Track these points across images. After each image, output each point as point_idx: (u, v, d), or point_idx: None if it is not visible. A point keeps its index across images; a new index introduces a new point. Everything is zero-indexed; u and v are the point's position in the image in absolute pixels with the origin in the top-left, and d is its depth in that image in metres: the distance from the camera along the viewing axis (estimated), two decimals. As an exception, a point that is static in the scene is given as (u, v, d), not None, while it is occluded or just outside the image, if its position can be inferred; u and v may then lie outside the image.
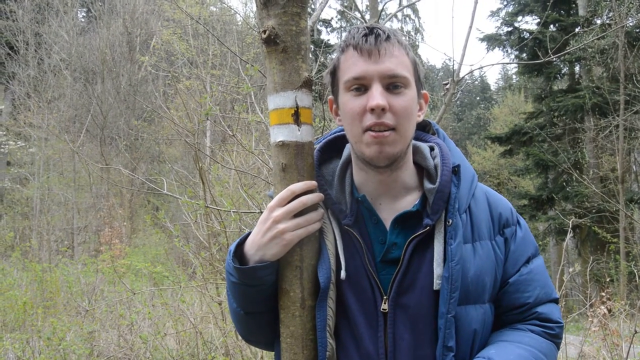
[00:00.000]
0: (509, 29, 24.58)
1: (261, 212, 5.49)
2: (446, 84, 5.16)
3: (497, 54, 25.75)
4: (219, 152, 10.84)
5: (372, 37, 1.41)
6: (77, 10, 29.45)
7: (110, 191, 20.36)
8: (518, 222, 1.58)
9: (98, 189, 20.72)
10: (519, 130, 22.99)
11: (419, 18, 41.59)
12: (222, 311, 5.96)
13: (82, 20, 31.68)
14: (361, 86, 1.41)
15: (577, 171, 17.93)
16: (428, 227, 1.42)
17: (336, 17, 32.14)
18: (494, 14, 25.37)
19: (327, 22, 31.96)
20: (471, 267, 1.43)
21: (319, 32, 30.56)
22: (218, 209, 5.40)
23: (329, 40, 28.41)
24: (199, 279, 6.53)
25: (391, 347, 1.41)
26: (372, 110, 1.37)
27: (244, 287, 1.45)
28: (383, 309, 1.42)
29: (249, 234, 1.48)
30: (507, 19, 24.51)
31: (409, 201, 1.49)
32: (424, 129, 1.64)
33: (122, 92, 23.26)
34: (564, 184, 20.52)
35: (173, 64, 20.55)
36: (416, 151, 1.54)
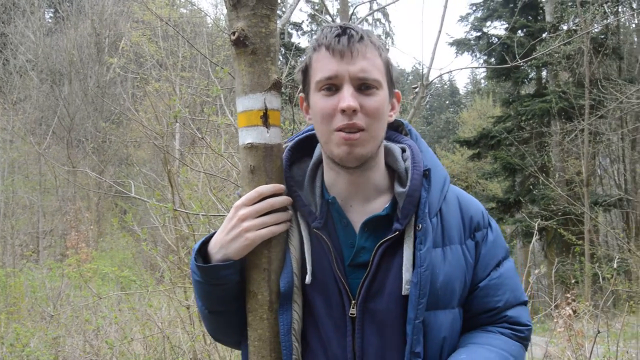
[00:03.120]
0: (478, 33, 24.93)
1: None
2: (415, 88, 5.19)
3: (466, 58, 25.98)
4: (188, 154, 10.75)
5: (345, 38, 1.39)
6: (44, 10, 28.99)
7: (77, 194, 20.06)
8: (489, 225, 1.57)
9: (64, 192, 20.39)
10: (487, 134, 23.27)
11: (389, 22, 41.81)
12: (190, 315, 5.91)
13: (49, 20, 31.17)
14: (332, 86, 1.40)
15: (544, 174, 18.19)
16: (397, 232, 1.41)
17: (307, 20, 32.12)
18: (463, 19, 25.68)
19: (297, 25, 31.93)
20: (440, 273, 1.43)
21: (290, 35, 30.51)
22: (187, 212, 5.36)
23: (299, 43, 28.38)
24: (166, 283, 6.47)
25: (359, 352, 1.40)
26: (343, 111, 1.37)
27: (207, 286, 1.43)
28: (351, 314, 1.41)
29: (214, 233, 1.47)
30: (476, 24, 24.86)
31: (380, 204, 1.48)
32: (396, 129, 1.63)
33: (90, 94, 22.94)
34: (531, 187, 20.81)
35: (142, 66, 20.33)
36: (388, 153, 1.53)
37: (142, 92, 18.21)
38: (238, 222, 1.39)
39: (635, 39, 26.82)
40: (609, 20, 18.50)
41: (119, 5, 24.99)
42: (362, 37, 1.41)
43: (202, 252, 1.45)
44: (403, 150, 1.54)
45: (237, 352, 5.56)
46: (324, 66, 1.41)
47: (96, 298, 6.04)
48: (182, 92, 12.75)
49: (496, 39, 23.78)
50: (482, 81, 43.58)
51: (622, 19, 23.71)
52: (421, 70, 5.36)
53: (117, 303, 7.65)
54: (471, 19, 25.30)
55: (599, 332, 4.26)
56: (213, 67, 8.37)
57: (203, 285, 1.44)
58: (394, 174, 1.51)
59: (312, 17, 30.58)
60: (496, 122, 24.15)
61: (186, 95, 13.22)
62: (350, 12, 5.78)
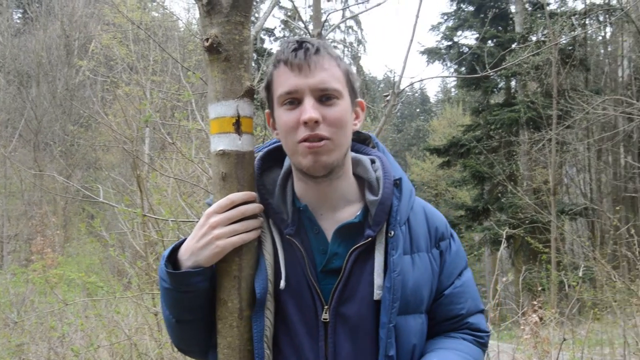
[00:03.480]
0: (449, 43, 25.20)
1: (198, 221, 5.44)
2: (387, 96, 5.23)
3: (437, 67, 26.23)
4: (158, 159, 10.66)
5: (302, 52, 1.42)
6: (12, 11, 28.55)
7: (43, 198, 19.73)
8: (452, 236, 1.63)
9: (30, 196, 20.05)
10: (457, 143, 23.53)
11: (361, 30, 42.09)
12: (158, 322, 5.84)
13: (18, 21, 30.71)
14: (294, 100, 1.42)
15: (512, 183, 18.47)
16: (370, 238, 1.44)
17: (279, 26, 32.16)
18: (434, 28, 25.90)
19: (270, 31, 31.95)
20: (410, 278, 1.46)
21: (262, 40, 30.52)
22: (156, 218, 5.31)
23: (272, 49, 28.39)
24: (134, 289, 6.39)
25: (332, 357, 1.42)
26: (305, 123, 1.39)
27: (176, 293, 1.42)
28: (324, 319, 1.43)
29: (184, 239, 1.47)
30: (447, 33, 25.10)
31: (350, 212, 1.50)
32: (364, 142, 1.67)
33: (58, 96, 22.62)
34: (499, 195, 21.10)
35: (112, 69, 20.12)
36: (357, 163, 1.56)
37: (112, 95, 18.00)
38: (209, 230, 1.39)
39: (602, 51, 27.41)
40: (576, 33, 18.87)
41: (90, 7, 24.73)
42: (318, 49, 1.43)
43: (172, 258, 1.45)
44: (372, 162, 1.57)
45: None
46: (284, 81, 1.43)
47: (62, 304, 5.93)
48: (152, 96, 12.65)
49: (467, 49, 24.09)
50: (453, 90, 44.08)
51: (589, 31, 24.17)
52: (392, 79, 5.42)
53: (84, 309, 7.53)
54: (442, 28, 25.54)
55: (564, 339, 4.33)
56: (184, 72, 8.34)
57: (172, 292, 1.43)
58: (363, 183, 1.54)
59: (284, 23, 30.64)
60: (466, 131, 24.44)
61: (157, 100, 13.13)
62: (323, 19, 5.79)
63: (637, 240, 7.49)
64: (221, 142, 1.42)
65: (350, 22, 36.58)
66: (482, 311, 1.67)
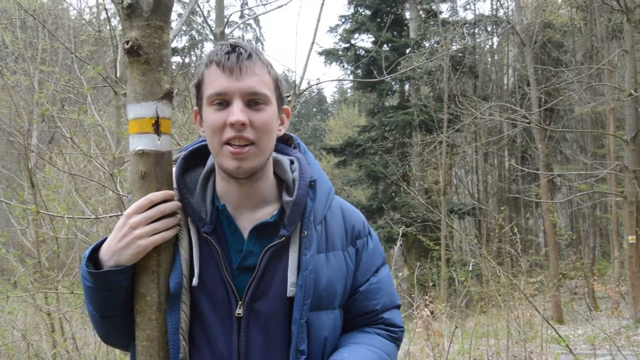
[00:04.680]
0: (346, 45, 25.58)
1: (97, 218, 5.31)
2: (288, 97, 5.33)
3: (335, 68, 26.61)
4: (49, 153, 10.22)
5: (235, 55, 1.47)
6: None
7: None
8: (369, 234, 1.71)
9: None
10: (353, 143, 24.00)
11: (259, 27, 42.13)
12: (52, 322, 5.65)
13: None
14: (223, 101, 1.47)
15: (405, 183, 19.07)
16: (284, 238, 1.50)
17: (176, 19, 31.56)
18: (332, 29, 26.26)
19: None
20: (323, 276, 1.53)
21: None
22: (52, 215, 5.13)
23: (175, 46, 27.81)
24: (23, 288, 6.14)
25: (244, 350, 1.48)
26: (232, 125, 1.44)
27: (99, 291, 1.45)
28: (238, 314, 1.48)
29: (104, 239, 1.49)
30: (344, 35, 25.46)
31: (268, 212, 1.56)
32: (286, 142, 1.73)
33: None
34: (393, 194, 21.68)
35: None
36: (277, 164, 1.62)
37: (-5, 84, 16.95)
38: (130, 230, 1.42)
39: (489, 59, 28.83)
40: (466, 43, 19.77)
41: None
42: (250, 55, 1.49)
43: (93, 258, 1.47)
44: (292, 162, 1.64)
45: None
46: (214, 81, 1.48)
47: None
48: (45, 87, 12.08)
49: (363, 51, 24.62)
50: (349, 91, 44.79)
51: (478, 41, 25.37)
52: (293, 80, 5.51)
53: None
54: (340, 30, 25.94)
55: (456, 327, 4.58)
56: (78, 62, 8.07)
57: (94, 290, 1.46)
58: (282, 184, 1.61)
59: (187, 24, 30.07)
60: (361, 132, 24.99)
61: (47, 90, 12.57)
62: (225, 19, 5.83)
63: (519, 238, 8.01)
64: (140, 142, 1.46)
65: (249, 20, 36.50)
66: (398, 307, 1.75)
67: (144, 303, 1.45)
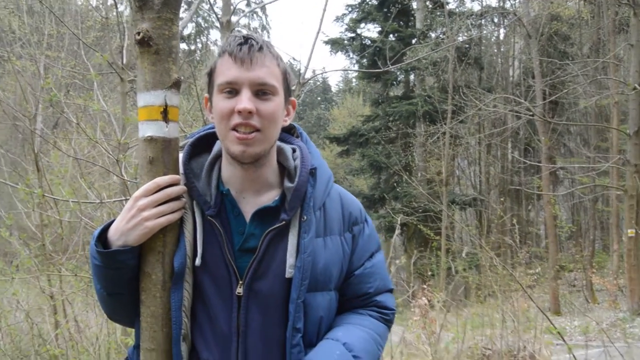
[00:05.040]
0: (352, 35, 25.49)
1: (101, 202, 5.39)
2: (292, 86, 5.38)
3: (340, 57, 26.73)
4: (54, 138, 10.30)
5: (246, 47, 1.56)
6: None
7: None
8: (366, 220, 1.80)
9: None
10: (356, 132, 24.00)
11: (266, 16, 42.10)
12: (55, 305, 5.75)
13: None
14: (233, 90, 1.56)
15: (407, 173, 19.13)
16: (284, 222, 1.59)
17: (184, 7, 31.53)
18: (339, 19, 26.17)
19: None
20: (321, 259, 1.62)
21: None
22: (57, 199, 5.21)
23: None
24: (26, 271, 6.23)
25: (243, 327, 1.57)
26: (240, 112, 1.53)
27: (107, 269, 1.53)
28: (238, 293, 1.57)
29: (112, 221, 1.57)
30: (350, 25, 25.38)
31: (270, 197, 1.65)
32: (289, 131, 1.81)
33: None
34: (395, 184, 21.73)
35: (1, 41, 19.01)
36: (280, 152, 1.71)
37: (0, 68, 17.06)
38: (137, 212, 1.50)
39: (495, 51, 28.75)
40: (472, 34, 19.73)
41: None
42: (261, 47, 1.58)
43: (102, 238, 1.55)
44: (294, 150, 1.72)
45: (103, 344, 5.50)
46: (226, 71, 1.57)
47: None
48: (50, 72, 12.13)
49: (369, 41, 24.58)
50: (354, 80, 44.73)
51: (485, 32, 25.30)
52: (298, 69, 5.56)
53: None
54: (346, 19, 25.86)
55: (447, 311, 4.64)
56: (84, 48, 8.12)
57: (103, 269, 1.54)
58: (284, 171, 1.69)
59: (188, 4, 30.02)
60: (365, 121, 24.98)
61: (55, 75, 12.62)
62: (232, 9, 5.88)
63: (519, 229, 8.08)
64: (149, 129, 1.53)
65: (256, 8, 36.44)
66: (390, 290, 1.85)
67: (149, 281, 1.53)
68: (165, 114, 1.53)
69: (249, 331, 1.57)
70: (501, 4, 25.84)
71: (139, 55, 1.54)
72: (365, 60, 23.73)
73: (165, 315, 1.54)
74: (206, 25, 37.95)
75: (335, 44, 25.18)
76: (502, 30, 27.53)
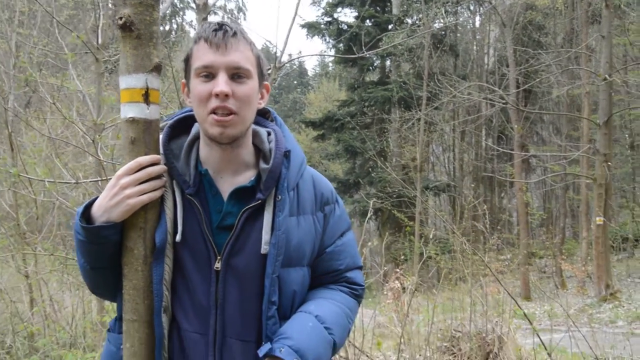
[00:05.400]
0: (329, 19, 25.46)
1: (77, 183, 5.41)
2: (268, 69, 5.42)
3: (316, 42, 26.68)
4: (27, 117, 10.19)
5: (221, 32, 1.63)
6: None
7: None
8: (337, 201, 1.90)
9: None
10: (332, 117, 24.07)
11: (242, -3, 41.86)
12: (30, 284, 5.77)
13: None
14: (209, 74, 1.63)
15: (382, 159, 19.26)
16: (260, 201, 1.67)
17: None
18: (315, 2, 26.13)
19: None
20: (294, 237, 1.71)
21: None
22: (32, 178, 5.21)
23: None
24: (1, 250, 6.23)
25: (221, 300, 1.65)
26: (217, 95, 1.60)
27: (90, 245, 1.61)
28: (216, 268, 1.65)
29: (95, 198, 1.64)
30: (327, 9, 25.33)
31: (246, 177, 1.73)
32: (264, 115, 1.89)
33: None
34: (370, 169, 21.87)
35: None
36: (256, 135, 1.79)
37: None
38: (120, 190, 1.57)
39: (471, 38, 28.96)
40: (448, 22, 19.84)
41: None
42: (235, 33, 1.66)
43: (85, 215, 1.62)
44: (269, 134, 1.81)
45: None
46: (202, 56, 1.64)
47: None
48: (24, 50, 11.95)
49: (346, 26, 24.60)
50: (330, 65, 44.71)
51: (460, 20, 25.43)
52: (274, 52, 5.60)
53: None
54: (323, 3, 25.83)
55: (415, 290, 4.74)
56: (59, 27, 8.05)
57: (86, 244, 1.62)
58: (259, 153, 1.78)
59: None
60: (341, 106, 25.08)
61: (24, 54, 12.45)
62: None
63: (490, 216, 8.24)
64: (131, 110, 1.60)
65: (232, -11, 36.19)
66: (360, 267, 1.96)
67: (131, 256, 1.61)
68: (146, 97, 1.60)
69: (226, 304, 1.66)
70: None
71: (121, 39, 1.60)
72: (341, 44, 23.75)
73: (146, 288, 1.61)
74: (182, 5, 37.63)
75: (312, 28, 25.16)
76: (477, 18, 27.73)
